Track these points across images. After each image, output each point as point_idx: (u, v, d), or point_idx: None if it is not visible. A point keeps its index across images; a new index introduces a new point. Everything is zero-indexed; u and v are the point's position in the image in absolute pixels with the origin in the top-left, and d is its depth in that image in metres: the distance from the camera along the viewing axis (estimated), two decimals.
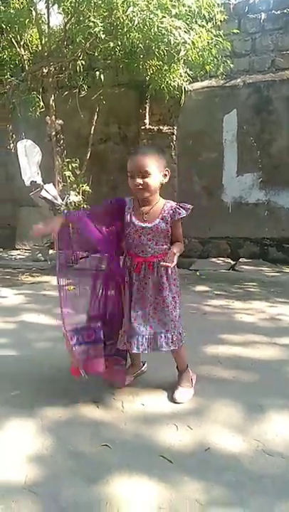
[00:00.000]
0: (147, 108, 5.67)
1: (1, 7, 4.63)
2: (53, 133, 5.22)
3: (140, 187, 1.71)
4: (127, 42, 4.45)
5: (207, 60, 4.64)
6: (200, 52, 4.50)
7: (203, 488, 1.31)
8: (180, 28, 4.04)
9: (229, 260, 5.43)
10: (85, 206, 4.99)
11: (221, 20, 4.75)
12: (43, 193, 4.77)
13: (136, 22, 4.00)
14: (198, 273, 4.74)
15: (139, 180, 1.70)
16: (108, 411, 1.76)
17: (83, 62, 5.15)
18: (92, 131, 5.57)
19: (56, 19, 5.54)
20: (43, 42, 5.15)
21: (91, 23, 4.21)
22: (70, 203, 5.00)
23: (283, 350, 2.42)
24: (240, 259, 5.40)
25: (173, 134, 5.59)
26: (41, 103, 5.43)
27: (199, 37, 4.37)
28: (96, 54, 4.94)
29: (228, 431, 1.61)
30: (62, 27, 5.17)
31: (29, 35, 5.58)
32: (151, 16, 3.98)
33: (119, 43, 4.55)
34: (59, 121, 5.30)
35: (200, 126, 5.53)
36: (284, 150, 5.25)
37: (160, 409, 1.77)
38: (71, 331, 1.80)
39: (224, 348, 2.44)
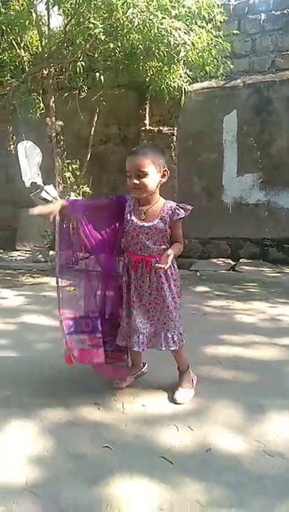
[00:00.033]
0: (147, 109, 5.68)
1: (2, 9, 4.64)
2: (53, 134, 5.22)
3: (137, 187, 1.72)
4: (127, 43, 4.46)
5: (207, 61, 4.64)
6: (200, 53, 4.50)
7: (204, 489, 1.31)
8: (180, 29, 4.04)
9: (229, 261, 5.43)
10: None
11: (220, 21, 4.75)
12: (44, 195, 4.76)
13: (136, 23, 4.00)
14: (198, 273, 4.74)
15: (136, 180, 1.70)
16: (109, 412, 1.76)
17: (83, 64, 5.15)
18: (92, 133, 5.57)
19: (56, 21, 5.55)
20: (43, 43, 5.16)
21: (91, 25, 4.22)
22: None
23: (283, 350, 2.42)
24: (241, 260, 5.40)
25: (173, 134, 5.60)
26: (41, 104, 5.43)
27: (199, 38, 4.37)
28: (96, 55, 4.95)
29: (229, 431, 1.61)
30: (62, 28, 5.18)
31: (29, 37, 5.59)
32: (151, 17, 3.99)
33: (119, 44, 4.55)
34: (59, 123, 5.31)
35: (200, 126, 5.54)
36: (284, 150, 5.25)
37: (161, 410, 1.77)
38: (68, 319, 1.82)
39: (224, 349, 2.44)
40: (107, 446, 1.52)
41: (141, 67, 4.84)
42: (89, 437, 1.58)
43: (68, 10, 4.55)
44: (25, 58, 5.58)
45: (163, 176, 1.77)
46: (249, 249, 5.54)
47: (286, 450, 1.49)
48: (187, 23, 4.23)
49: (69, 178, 5.28)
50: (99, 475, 1.37)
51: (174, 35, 4.02)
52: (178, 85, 4.99)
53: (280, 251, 5.39)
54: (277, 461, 1.44)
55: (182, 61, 4.60)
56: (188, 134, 5.59)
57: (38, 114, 5.42)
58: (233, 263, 5.29)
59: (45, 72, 5.32)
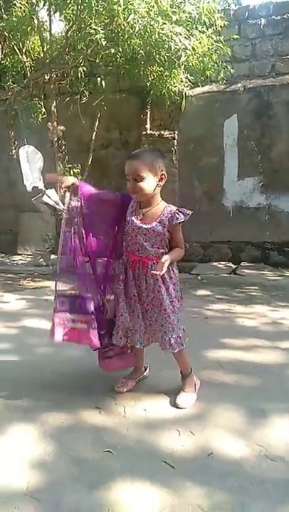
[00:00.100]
0: (148, 113, 5.70)
1: (4, 15, 4.68)
2: (55, 139, 5.25)
3: (134, 190, 1.75)
4: (128, 48, 4.49)
5: (207, 66, 4.68)
6: (200, 58, 4.54)
7: (206, 493, 1.30)
8: (180, 34, 4.07)
9: (230, 264, 5.43)
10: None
11: (221, 26, 4.78)
12: (45, 199, 4.79)
13: (137, 29, 4.03)
14: (199, 277, 4.74)
15: (133, 184, 1.74)
16: (110, 416, 1.76)
17: (84, 69, 5.19)
18: (93, 137, 5.60)
19: (58, 26, 5.61)
20: (45, 49, 5.20)
21: (92, 30, 4.25)
22: (72, 208, 5.01)
23: (285, 354, 2.42)
24: (242, 263, 5.40)
25: (174, 138, 5.61)
26: (43, 109, 5.47)
27: (200, 43, 4.41)
28: (97, 60, 4.98)
29: (231, 436, 1.61)
30: (63, 34, 5.22)
31: (31, 43, 5.63)
32: (152, 23, 4.02)
33: (120, 50, 4.59)
34: (61, 127, 5.34)
35: (201, 131, 5.56)
36: (284, 154, 5.26)
37: (162, 415, 1.77)
38: (62, 296, 1.84)
39: (226, 353, 2.44)
40: (108, 451, 1.52)
41: (142, 72, 4.87)
42: (90, 441, 1.58)
43: (70, 16, 4.59)
44: (27, 64, 5.62)
45: (160, 179, 1.78)
46: (250, 253, 5.53)
47: (287, 454, 1.49)
48: (188, 29, 4.27)
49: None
50: (100, 479, 1.37)
51: (174, 41, 4.05)
52: (179, 90, 5.01)
53: (281, 254, 5.38)
54: (279, 465, 1.43)
55: (183, 66, 4.63)
56: (189, 138, 5.61)
57: (39, 119, 5.46)
58: (234, 266, 5.28)
59: (46, 77, 5.36)
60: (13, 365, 2.32)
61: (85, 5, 3.98)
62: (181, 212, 1.78)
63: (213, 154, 5.55)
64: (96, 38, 4.26)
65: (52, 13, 4.76)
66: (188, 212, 1.79)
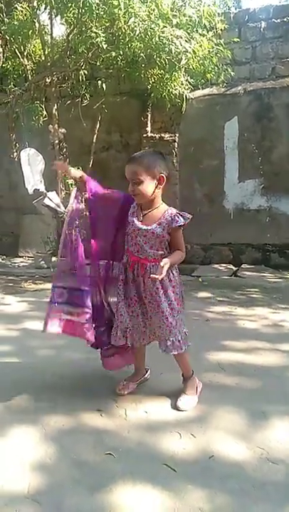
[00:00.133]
0: (149, 116, 5.72)
1: (5, 19, 4.71)
2: (56, 141, 5.26)
3: (134, 193, 1.77)
4: (128, 51, 4.51)
5: (208, 69, 4.69)
6: (201, 61, 4.55)
7: (207, 496, 1.30)
8: (181, 38, 4.09)
9: (231, 266, 5.43)
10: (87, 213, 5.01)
11: (221, 29, 4.80)
12: (46, 201, 4.80)
13: (137, 32, 4.05)
14: (200, 279, 4.74)
15: (132, 187, 1.75)
16: (111, 419, 1.76)
17: (85, 72, 5.21)
18: (94, 140, 5.62)
19: (59, 30, 5.65)
20: (46, 52, 5.23)
21: (93, 34, 4.28)
22: (73, 210, 5.02)
23: (286, 356, 2.42)
24: (243, 266, 5.40)
25: (174, 141, 5.63)
26: (44, 112, 5.49)
27: (200, 46, 4.42)
28: (98, 64, 5.01)
29: (232, 438, 1.61)
30: (65, 37, 5.25)
31: (32, 46, 5.67)
32: (153, 26, 4.04)
33: (121, 53, 4.61)
34: (62, 130, 5.35)
35: (201, 133, 5.57)
36: (285, 157, 5.27)
37: (163, 417, 1.77)
38: (59, 287, 1.85)
39: (227, 355, 2.44)
40: (109, 453, 1.52)
41: (142, 75, 4.89)
42: (91, 444, 1.58)
43: (71, 19, 4.61)
44: (28, 67, 5.65)
45: (160, 181, 1.78)
46: (251, 255, 5.54)
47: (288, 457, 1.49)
48: (188, 32, 4.29)
49: (71, 184, 5.30)
50: (101, 482, 1.37)
51: (175, 44, 4.07)
52: (179, 93, 5.03)
53: (281, 256, 5.38)
54: (280, 467, 1.43)
55: (183, 69, 4.64)
56: (189, 141, 5.62)
57: (40, 122, 5.48)
58: (234, 269, 5.28)
59: (47, 80, 5.38)
60: (14, 367, 2.32)
61: (86, 8, 4.00)
62: (181, 215, 1.78)
63: (214, 157, 5.56)
64: (97, 41, 4.28)
65: (53, 16, 4.78)
66: (189, 215, 1.80)
